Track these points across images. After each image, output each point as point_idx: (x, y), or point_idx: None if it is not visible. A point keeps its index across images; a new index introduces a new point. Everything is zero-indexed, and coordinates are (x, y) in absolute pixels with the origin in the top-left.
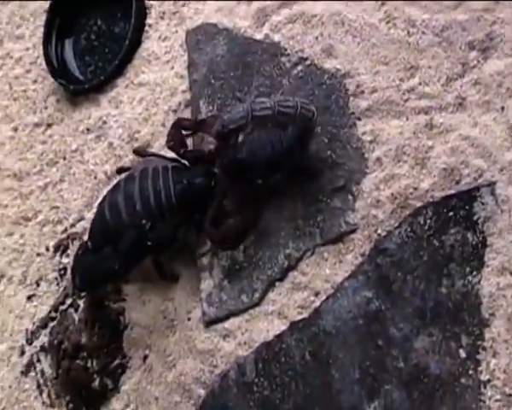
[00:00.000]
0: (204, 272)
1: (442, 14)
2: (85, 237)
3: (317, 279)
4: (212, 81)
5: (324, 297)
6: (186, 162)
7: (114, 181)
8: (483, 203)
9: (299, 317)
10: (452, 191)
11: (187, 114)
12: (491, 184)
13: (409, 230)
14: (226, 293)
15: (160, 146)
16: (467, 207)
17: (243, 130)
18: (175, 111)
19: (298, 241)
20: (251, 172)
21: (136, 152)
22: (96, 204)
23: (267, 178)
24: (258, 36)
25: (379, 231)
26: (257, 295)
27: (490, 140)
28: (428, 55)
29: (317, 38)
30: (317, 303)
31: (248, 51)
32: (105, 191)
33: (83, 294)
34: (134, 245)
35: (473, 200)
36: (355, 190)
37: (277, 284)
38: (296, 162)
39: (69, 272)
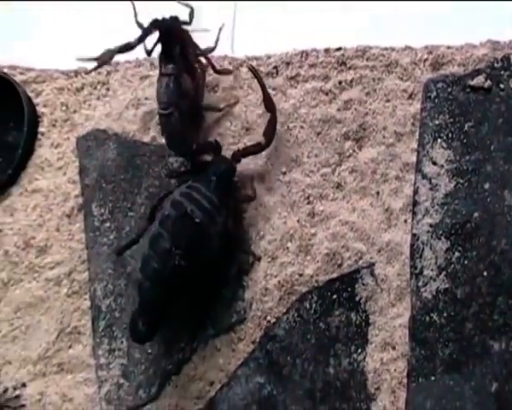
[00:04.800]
0: (102, 371)
1: (318, 108)
2: None
3: (211, 370)
4: (104, 185)
5: (219, 387)
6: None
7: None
8: (364, 284)
9: (195, 408)
10: (335, 275)
11: (80, 218)
12: (371, 266)
13: (296, 315)
14: (124, 390)
15: (54, 251)
16: (349, 289)
17: None
18: (68, 216)
19: (191, 333)
20: None
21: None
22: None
23: None
24: (146, 139)
25: (268, 318)
26: (154, 389)
27: (367, 224)
28: (307, 148)
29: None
30: (212, 393)
31: (137, 154)
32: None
33: None
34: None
35: (354, 282)
36: (244, 280)
37: (173, 377)
38: None
39: None
